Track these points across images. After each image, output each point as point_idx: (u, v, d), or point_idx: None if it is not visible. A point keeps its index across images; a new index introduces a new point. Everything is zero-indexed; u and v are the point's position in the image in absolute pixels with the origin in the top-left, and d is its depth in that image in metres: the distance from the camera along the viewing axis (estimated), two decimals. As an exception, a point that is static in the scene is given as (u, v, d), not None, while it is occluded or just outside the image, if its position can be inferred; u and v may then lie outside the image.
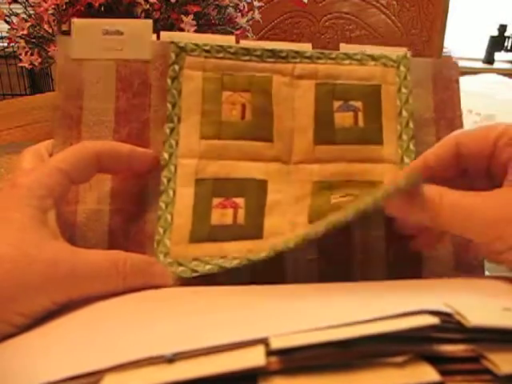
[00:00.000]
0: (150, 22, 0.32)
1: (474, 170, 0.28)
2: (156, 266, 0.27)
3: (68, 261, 0.24)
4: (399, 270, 0.31)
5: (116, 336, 0.19)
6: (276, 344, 0.14)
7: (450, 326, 0.16)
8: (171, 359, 0.15)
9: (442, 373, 0.14)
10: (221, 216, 0.30)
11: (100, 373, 0.15)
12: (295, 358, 0.15)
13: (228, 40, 0.33)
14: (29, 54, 0.53)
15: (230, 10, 0.57)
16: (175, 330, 0.19)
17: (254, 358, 0.14)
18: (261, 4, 0.60)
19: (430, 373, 0.14)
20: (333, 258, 0.31)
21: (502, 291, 0.22)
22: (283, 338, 0.15)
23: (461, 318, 0.15)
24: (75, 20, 0.32)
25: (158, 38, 0.33)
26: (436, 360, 0.15)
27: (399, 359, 0.14)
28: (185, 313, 0.22)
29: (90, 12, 0.49)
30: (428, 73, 0.34)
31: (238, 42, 0.33)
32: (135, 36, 0.32)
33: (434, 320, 0.15)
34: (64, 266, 0.23)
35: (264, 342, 0.15)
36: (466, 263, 0.32)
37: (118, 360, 0.15)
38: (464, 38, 2.43)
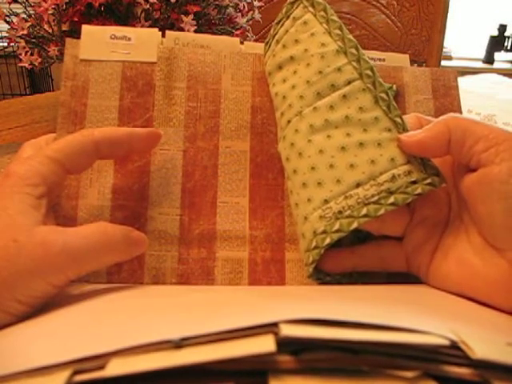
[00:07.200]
0: (156, 30, 0.33)
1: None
2: (134, 232, 0.26)
3: (58, 240, 0.23)
4: (399, 276, 0.30)
5: (123, 323, 0.19)
6: (285, 331, 0.14)
7: (456, 352, 0.15)
8: (179, 344, 0.14)
9: None
10: None
11: (106, 356, 0.14)
12: (306, 359, 0.14)
13: (232, 41, 0.33)
14: (29, 54, 0.53)
15: (230, 10, 0.56)
16: (182, 318, 0.19)
17: (264, 344, 0.14)
18: (261, 4, 0.60)
19: None
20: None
21: (500, 322, 0.22)
22: (293, 327, 0.15)
23: (467, 348, 0.15)
24: (84, 26, 0.33)
25: (163, 35, 0.33)
26: (443, 380, 0.15)
27: (409, 374, 0.14)
28: (190, 304, 0.22)
29: (90, 12, 0.49)
30: (427, 81, 0.35)
31: (242, 43, 0.34)
32: (142, 43, 0.33)
33: (444, 341, 0.15)
34: (55, 246, 0.23)
35: (273, 331, 0.15)
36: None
37: (124, 344, 0.15)
38: (464, 37, 2.43)
